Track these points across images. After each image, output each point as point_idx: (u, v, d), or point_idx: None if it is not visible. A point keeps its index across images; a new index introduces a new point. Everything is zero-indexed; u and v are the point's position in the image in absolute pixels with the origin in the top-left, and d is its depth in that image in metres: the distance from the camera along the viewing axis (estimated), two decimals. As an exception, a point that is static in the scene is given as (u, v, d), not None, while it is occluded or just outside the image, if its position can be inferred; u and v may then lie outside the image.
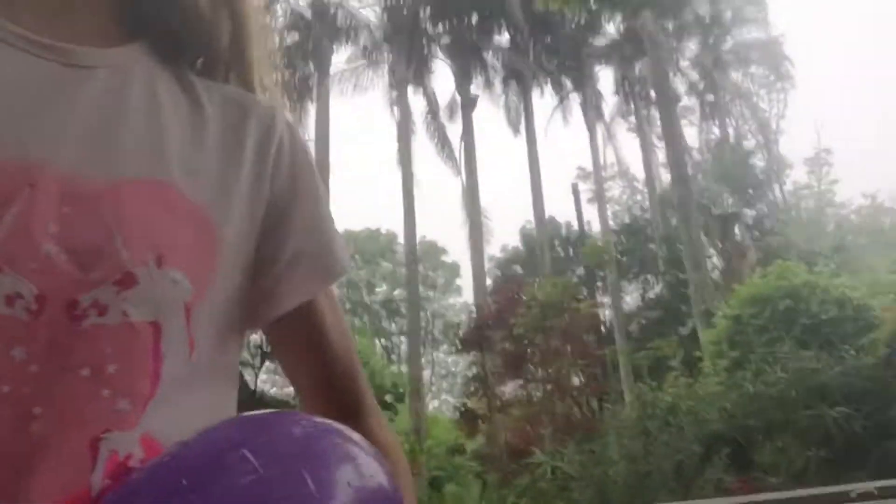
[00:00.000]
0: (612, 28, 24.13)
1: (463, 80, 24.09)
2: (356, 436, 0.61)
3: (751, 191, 24.51)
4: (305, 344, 0.80)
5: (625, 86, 27.10)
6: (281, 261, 0.74)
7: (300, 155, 0.79)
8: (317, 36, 21.47)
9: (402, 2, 23.09)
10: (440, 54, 24.31)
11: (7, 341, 0.55)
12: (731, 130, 29.88)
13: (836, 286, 12.72)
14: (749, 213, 24.58)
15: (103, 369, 0.58)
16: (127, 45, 0.72)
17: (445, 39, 24.08)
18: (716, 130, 30.07)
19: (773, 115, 31.25)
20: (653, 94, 23.97)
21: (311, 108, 21.70)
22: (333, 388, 0.82)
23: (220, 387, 0.72)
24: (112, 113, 0.66)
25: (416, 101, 23.97)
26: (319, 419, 0.62)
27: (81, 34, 0.68)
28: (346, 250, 0.81)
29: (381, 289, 40.26)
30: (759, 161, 28.92)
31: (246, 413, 0.62)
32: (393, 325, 39.74)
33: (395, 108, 23.07)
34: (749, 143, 29.91)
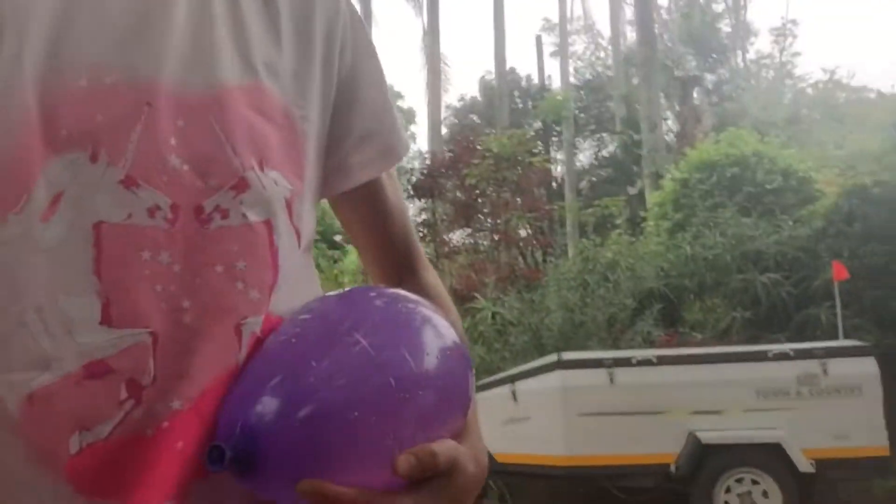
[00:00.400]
0: None
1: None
2: (421, 299, 0.72)
3: (714, 55, 24.28)
4: (370, 213, 0.89)
5: (600, -66, 25.98)
6: (350, 139, 0.81)
7: (361, 36, 0.83)
8: None
9: None
10: None
11: (155, 248, 0.62)
12: (703, -9, 29.15)
13: (784, 157, 12.98)
14: (710, 78, 24.46)
15: (233, 266, 0.66)
16: None
17: None
18: (687, -10, 29.32)
19: (747, -21, 30.50)
20: (628, -55, 23.02)
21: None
22: (395, 249, 0.92)
23: (309, 258, 0.81)
24: (201, 20, 0.69)
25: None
26: (389, 290, 0.74)
27: None
28: (405, 131, 0.89)
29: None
30: (725, 26, 28.48)
31: (336, 292, 0.74)
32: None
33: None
34: (718, 7, 29.30)
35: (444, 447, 0.63)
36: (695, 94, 22.45)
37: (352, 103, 0.81)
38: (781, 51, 29.90)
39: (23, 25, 0.62)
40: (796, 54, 30.59)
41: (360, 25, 0.84)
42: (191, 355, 0.63)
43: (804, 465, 6.25)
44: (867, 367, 6.57)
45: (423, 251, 0.96)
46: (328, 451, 0.59)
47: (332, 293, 0.74)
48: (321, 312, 0.69)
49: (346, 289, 0.75)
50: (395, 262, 0.92)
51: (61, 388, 0.59)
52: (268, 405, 0.59)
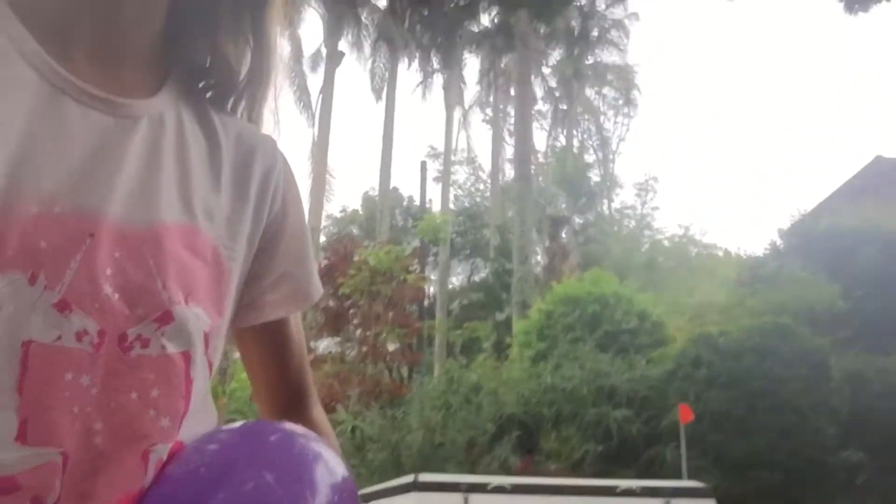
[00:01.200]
0: (487, 19, 24.45)
1: (333, 34, 23.58)
2: (312, 434, 0.79)
3: (584, 200, 25.92)
4: (272, 348, 0.94)
5: (489, 77, 27.70)
6: (268, 278, 0.86)
7: (292, 188, 0.91)
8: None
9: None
10: (314, 2, 23.64)
11: (78, 370, 0.65)
12: (575, 142, 31.44)
13: (641, 300, 13.81)
14: (578, 220, 26.00)
15: (148, 393, 0.69)
16: (161, 92, 0.80)
17: (323, -14, 23.42)
18: (562, 139, 31.52)
19: (615, 136, 33.20)
20: (513, 91, 24.62)
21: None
22: (288, 384, 0.97)
23: (209, 385, 0.84)
24: (152, 163, 0.75)
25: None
26: (287, 426, 0.79)
27: (127, 85, 0.76)
28: (318, 278, 0.94)
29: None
30: (595, 175, 30.61)
31: (233, 425, 0.78)
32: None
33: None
34: (589, 157, 31.58)
35: None
36: (563, 233, 23.73)
37: (275, 247, 0.87)
38: (643, 204, 32.29)
39: None
40: (655, 208, 33.03)
41: (292, 179, 0.92)
42: (97, 476, 0.65)
43: None
44: (707, 508, 6.87)
45: (313, 385, 1.01)
46: None
47: (232, 426, 0.78)
48: (225, 444, 0.73)
49: (245, 422, 0.80)
50: (288, 396, 0.97)
51: None
52: None
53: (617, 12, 27.79)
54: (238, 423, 0.78)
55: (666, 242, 30.24)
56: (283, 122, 0.96)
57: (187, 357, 0.72)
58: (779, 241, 14.59)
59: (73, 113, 0.71)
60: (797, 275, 12.45)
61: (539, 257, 23.17)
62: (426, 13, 24.53)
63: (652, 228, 31.60)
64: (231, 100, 0.89)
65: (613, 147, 32.87)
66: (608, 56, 29.49)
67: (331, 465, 0.74)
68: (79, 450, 0.64)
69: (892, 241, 13.16)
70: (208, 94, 0.87)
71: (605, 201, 31.01)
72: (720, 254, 29.58)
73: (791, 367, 9.86)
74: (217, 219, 0.79)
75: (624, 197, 33.31)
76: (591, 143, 32.80)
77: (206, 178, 0.80)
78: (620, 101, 32.84)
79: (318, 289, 0.92)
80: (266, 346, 0.93)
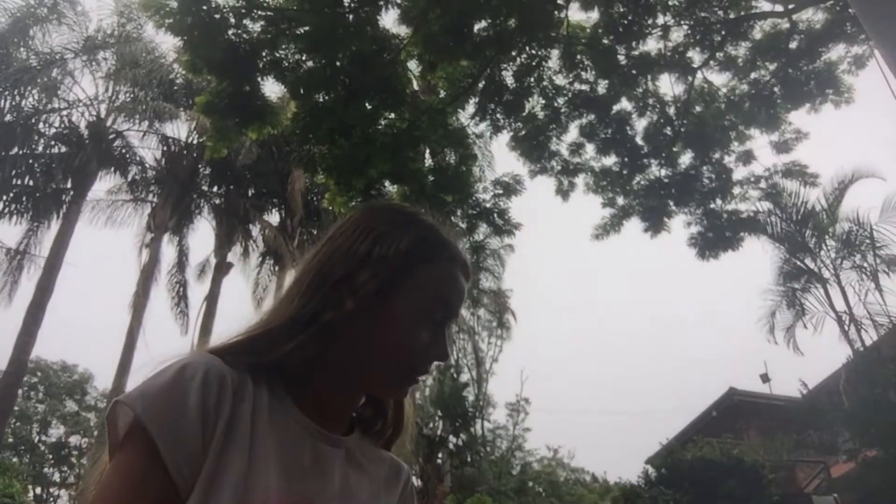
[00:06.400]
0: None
1: (223, 245, 23.99)
2: None
3: (459, 421, 26.16)
4: None
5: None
6: None
7: (409, 488, 1.41)
8: (86, 156, 20.53)
9: (184, 153, 23.04)
10: (207, 213, 24.20)
11: None
12: (453, 361, 32.19)
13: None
14: (453, 441, 26.04)
15: None
16: (353, 433, 1.34)
17: (217, 200, 24.10)
18: (440, 356, 32.10)
19: (489, 357, 34.24)
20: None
21: (55, 225, 20.25)
22: None
23: None
24: (349, 475, 1.26)
25: (169, 252, 23.30)
26: None
27: (336, 426, 1.29)
28: None
29: (57, 430, 36.02)
30: (469, 395, 31.13)
31: None
32: (57, 473, 35.27)
33: (146, 251, 22.19)
34: (465, 377, 32.26)
35: None
36: (439, 456, 23.65)
37: None
38: (514, 425, 32.82)
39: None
40: (527, 429, 33.62)
41: (411, 483, 1.42)
42: None
43: None
44: None
45: None
46: None
47: None
48: None
49: None
50: None
51: None
52: None
53: (494, 242, 29.94)
54: None
55: (536, 465, 30.57)
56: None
57: None
58: (650, 470, 15.29)
59: (304, 440, 1.20)
60: (669, 507, 13.00)
61: (414, 479, 22.82)
62: (315, 231, 25.51)
63: (523, 450, 31.98)
64: (385, 440, 1.41)
65: (487, 367, 33.80)
66: (485, 280, 31.24)
67: None
68: None
69: (751, 472, 14.13)
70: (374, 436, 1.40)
71: (479, 421, 31.34)
72: (587, 478, 30.10)
73: None
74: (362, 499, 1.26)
75: (496, 416, 33.84)
76: (465, 362, 33.66)
77: (368, 489, 1.29)
78: (494, 324, 34.33)
79: None
80: None
